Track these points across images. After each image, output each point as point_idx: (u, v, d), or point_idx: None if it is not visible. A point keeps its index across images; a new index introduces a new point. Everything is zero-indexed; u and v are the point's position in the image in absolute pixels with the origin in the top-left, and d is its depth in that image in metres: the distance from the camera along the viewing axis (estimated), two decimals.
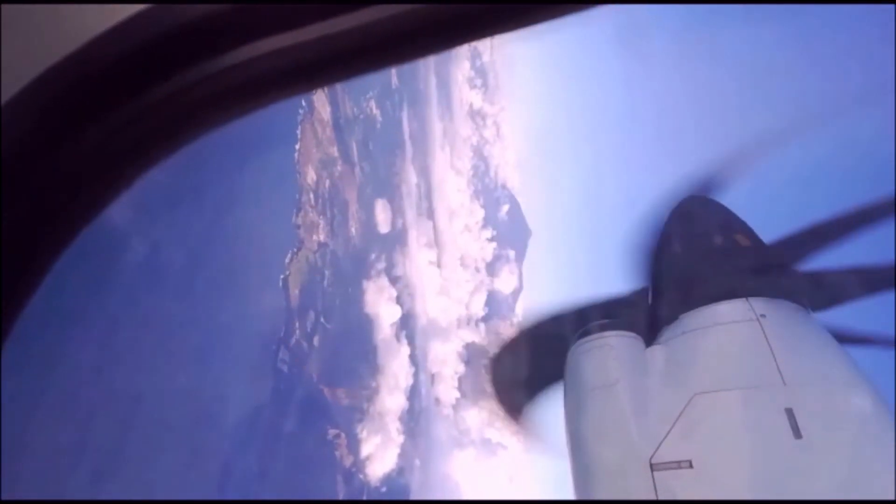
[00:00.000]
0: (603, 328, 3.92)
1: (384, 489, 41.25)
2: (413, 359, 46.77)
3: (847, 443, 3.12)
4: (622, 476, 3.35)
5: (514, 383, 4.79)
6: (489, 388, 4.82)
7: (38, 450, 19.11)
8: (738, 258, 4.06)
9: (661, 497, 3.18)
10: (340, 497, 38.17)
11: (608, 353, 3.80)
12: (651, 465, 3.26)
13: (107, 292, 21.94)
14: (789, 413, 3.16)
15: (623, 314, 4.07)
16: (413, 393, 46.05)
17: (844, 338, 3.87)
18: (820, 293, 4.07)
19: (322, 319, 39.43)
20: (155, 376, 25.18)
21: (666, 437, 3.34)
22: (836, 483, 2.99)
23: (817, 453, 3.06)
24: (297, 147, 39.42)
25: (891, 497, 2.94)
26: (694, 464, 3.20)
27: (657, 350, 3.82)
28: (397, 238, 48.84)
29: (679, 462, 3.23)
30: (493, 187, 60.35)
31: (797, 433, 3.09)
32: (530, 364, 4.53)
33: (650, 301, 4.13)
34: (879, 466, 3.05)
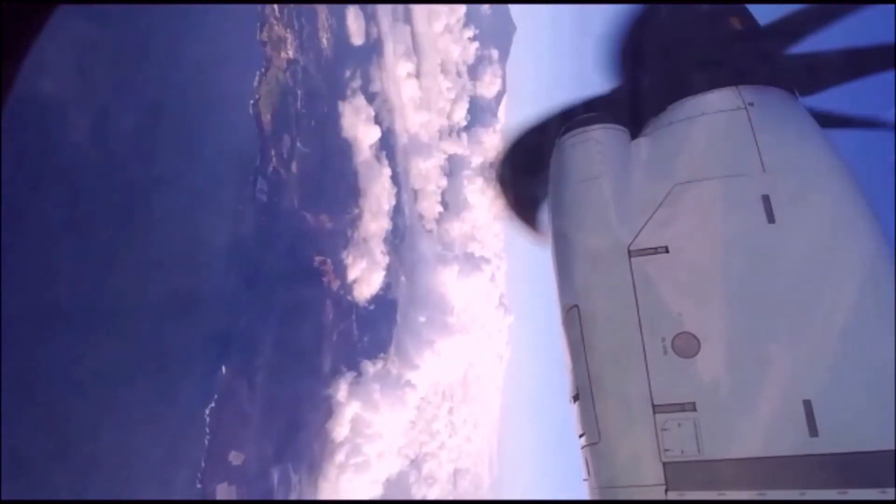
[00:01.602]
0: (588, 122, 3.96)
1: (372, 307, 43.94)
2: (395, 178, 47.32)
3: (818, 226, 3.28)
4: (601, 263, 3.58)
5: (516, 192, 4.89)
6: (500, 201, 4.94)
7: (39, 223, 20.05)
8: (731, 44, 4.00)
9: (637, 281, 3.44)
10: (331, 318, 40.52)
11: (593, 146, 3.85)
12: (629, 252, 3.49)
13: None
14: (765, 199, 3.30)
15: (610, 107, 4.08)
16: (396, 212, 47.26)
17: (833, 120, 3.98)
18: (811, 76, 4.08)
19: (298, 144, 38.99)
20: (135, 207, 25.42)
21: (644, 225, 3.51)
22: (804, 263, 3.21)
23: (788, 236, 3.23)
24: None
25: (859, 272, 3.21)
26: (670, 249, 3.41)
27: (642, 142, 3.86)
28: (373, 49, 46.86)
29: (655, 248, 3.44)
30: None
31: (771, 218, 3.26)
32: (526, 171, 4.60)
33: (638, 92, 4.13)
34: (848, 247, 3.27)
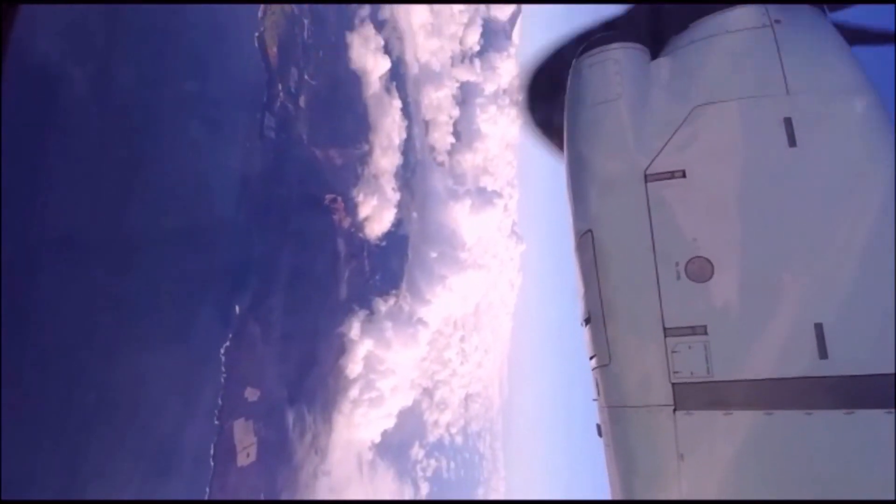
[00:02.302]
0: (606, 41, 3.89)
1: (384, 243, 44.23)
2: (405, 111, 46.70)
3: (840, 151, 3.25)
4: (616, 188, 3.58)
5: (539, 117, 4.87)
6: (525, 127, 4.93)
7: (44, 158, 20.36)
8: None
9: (652, 206, 3.45)
10: (342, 256, 40.83)
11: (611, 67, 3.79)
12: (645, 176, 3.48)
13: None
14: (787, 122, 3.26)
15: (629, 25, 3.99)
16: (407, 147, 46.92)
17: (864, 35, 3.87)
18: None
19: (306, 77, 38.31)
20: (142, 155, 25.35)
21: (662, 148, 3.50)
22: (823, 188, 3.19)
23: (808, 160, 3.21)
24: None
25: (879, 198, 3.19)
26: (687, 173, 3.41)
27: (662, 62, 3.79)
28: None
29: (672, 172, 3.43)
30: None
31: (792, 141, 3.23)
32: (547, 95, 4.55)
33: (659, 8, 4.02)
34: (869, 173, 3.24)
